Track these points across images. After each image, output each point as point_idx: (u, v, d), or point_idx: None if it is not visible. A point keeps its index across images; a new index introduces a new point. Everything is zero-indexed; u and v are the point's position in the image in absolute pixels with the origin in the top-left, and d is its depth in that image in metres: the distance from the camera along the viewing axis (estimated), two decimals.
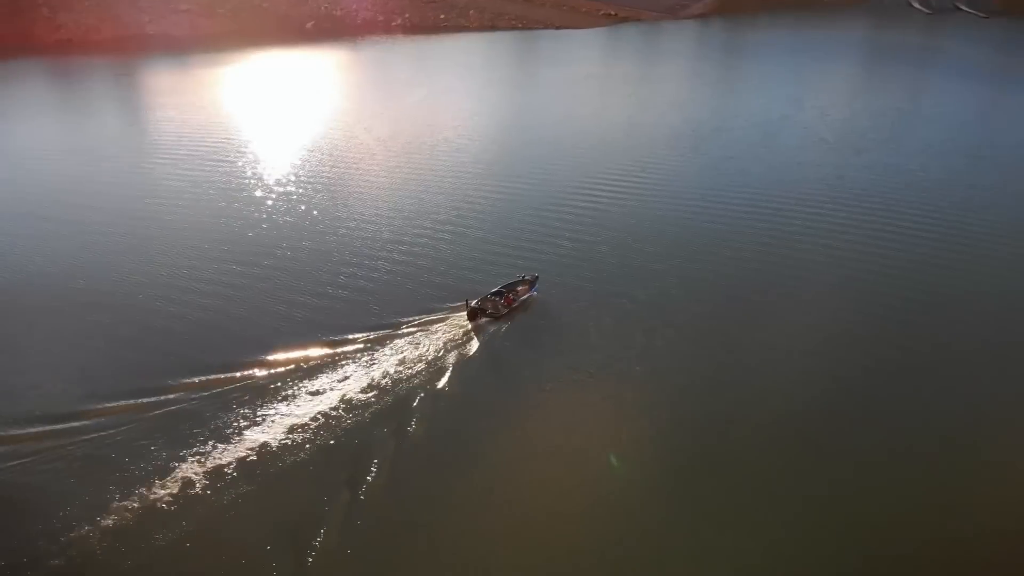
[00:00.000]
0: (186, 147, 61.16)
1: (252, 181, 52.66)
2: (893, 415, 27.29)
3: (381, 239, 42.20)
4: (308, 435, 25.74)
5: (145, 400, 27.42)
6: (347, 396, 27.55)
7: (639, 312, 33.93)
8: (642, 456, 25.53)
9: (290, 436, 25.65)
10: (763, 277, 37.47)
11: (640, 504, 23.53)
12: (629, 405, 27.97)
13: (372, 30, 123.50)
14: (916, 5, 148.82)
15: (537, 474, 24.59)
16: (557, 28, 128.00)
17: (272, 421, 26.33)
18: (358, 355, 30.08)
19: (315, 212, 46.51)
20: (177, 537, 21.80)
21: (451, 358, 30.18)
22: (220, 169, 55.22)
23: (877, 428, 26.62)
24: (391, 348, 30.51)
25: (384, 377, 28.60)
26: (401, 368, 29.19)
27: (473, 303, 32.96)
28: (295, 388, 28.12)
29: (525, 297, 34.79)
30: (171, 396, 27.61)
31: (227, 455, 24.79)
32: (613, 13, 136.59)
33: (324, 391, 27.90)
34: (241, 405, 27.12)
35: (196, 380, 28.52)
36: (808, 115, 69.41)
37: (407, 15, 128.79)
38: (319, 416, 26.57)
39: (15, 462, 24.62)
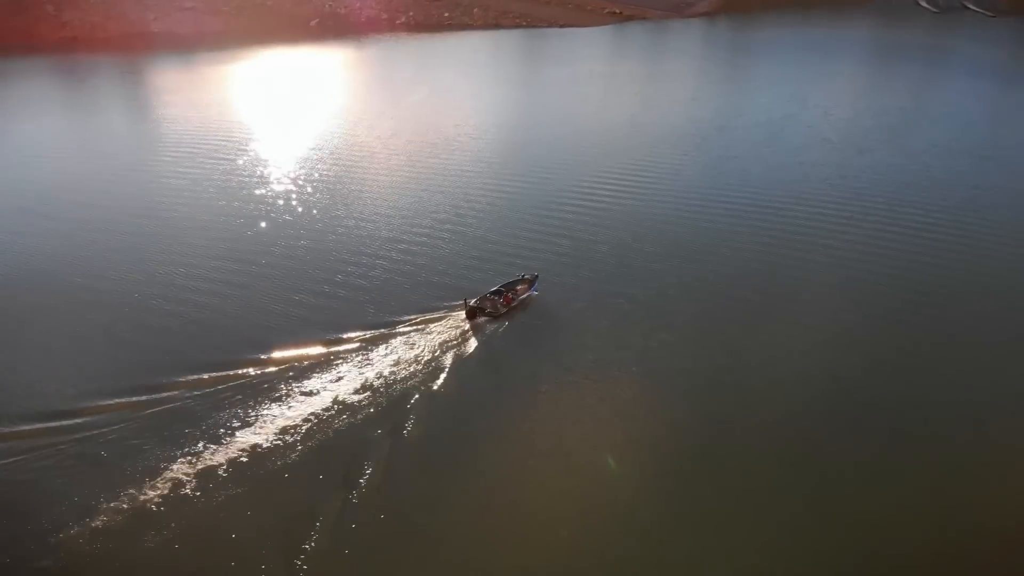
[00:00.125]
0: (188, 145, 61.17)
1: (252, 179, 52.62)
2: (893, 415, 27.00)
3: (380, 237, 42.07)
4: (302, 435, 25.54)
5: (139, 399, 27.30)
6: (342, 396, 27.35)
7: (639, 312, 33.69)
8: (641, 456, 25.29)
9: (284, 436, 25.46)
10: (763, 277, 37.16)
11: (639, 504, 23.31)
12: (628, 405, 27.74)
13: (376, 28, 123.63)
14: (923, 4, 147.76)
15: (535, 475, 24.37)
16: (562, 26, 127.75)
17: (266, 421, 26.15)
18: (355, 354, 29.92)
19: (314, 211, 46.42)
20: (168, 538, 21.65)
21: (448, 357, 29.98)
22: (220, 167, 55.23)
23: (877, 428, 26.34)
24: (388, 347, 30.35)
25: (380, 377, 28.42)
26: (398, 367, 29.00)
27: (472, 302, 32.78)
28: (291, 387, 27.94)
29: (524, 296, 34.57)
30: (166, 395, 27.48)
31: (220, 455, 24.63)
32: (618, 11, 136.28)
33: (319, 391, 27.71)
34: (236, 405, 26.95)
35: (191, 379, 28.38)
36: (812, 114, 68.89)
37: (411, 13, 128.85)
38: (313, 416, 26.36)
39: (7, 460, 24.50)
